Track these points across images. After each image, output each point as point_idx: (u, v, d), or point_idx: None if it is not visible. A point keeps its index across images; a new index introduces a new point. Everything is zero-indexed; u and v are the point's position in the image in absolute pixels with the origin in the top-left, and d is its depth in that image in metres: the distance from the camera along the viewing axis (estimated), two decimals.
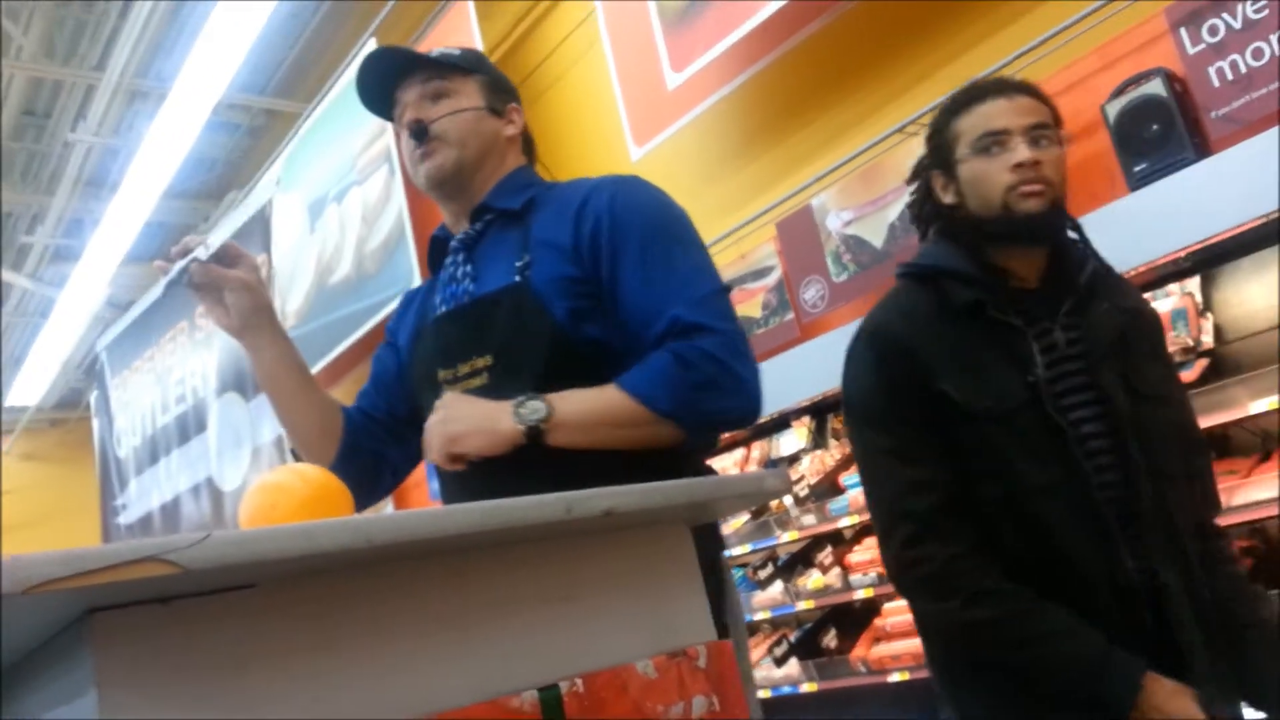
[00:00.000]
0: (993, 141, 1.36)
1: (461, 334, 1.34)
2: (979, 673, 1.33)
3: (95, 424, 7.27)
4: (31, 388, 8.97)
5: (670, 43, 3.84)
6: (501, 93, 1.46)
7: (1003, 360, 1.30)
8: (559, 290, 1.28)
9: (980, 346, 1.32)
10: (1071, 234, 1.40)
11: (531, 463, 1.18)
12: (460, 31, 4.78)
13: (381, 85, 1.43)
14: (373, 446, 1.46)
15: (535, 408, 1.18)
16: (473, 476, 1.21)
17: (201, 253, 1.30)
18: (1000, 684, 1.29)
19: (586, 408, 1.21)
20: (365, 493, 1.45)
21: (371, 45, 5.34)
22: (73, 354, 8.81)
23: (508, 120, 1.45)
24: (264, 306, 1.37)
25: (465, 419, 1.19)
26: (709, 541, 1.26)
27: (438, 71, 1.40)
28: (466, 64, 1.43)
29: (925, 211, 1.48)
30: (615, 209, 1.31)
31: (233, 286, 1.33)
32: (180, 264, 1.30)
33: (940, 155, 1.42)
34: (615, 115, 4.27)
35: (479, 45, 4.60)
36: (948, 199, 1.41)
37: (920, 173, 1.50)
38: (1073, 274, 1.37)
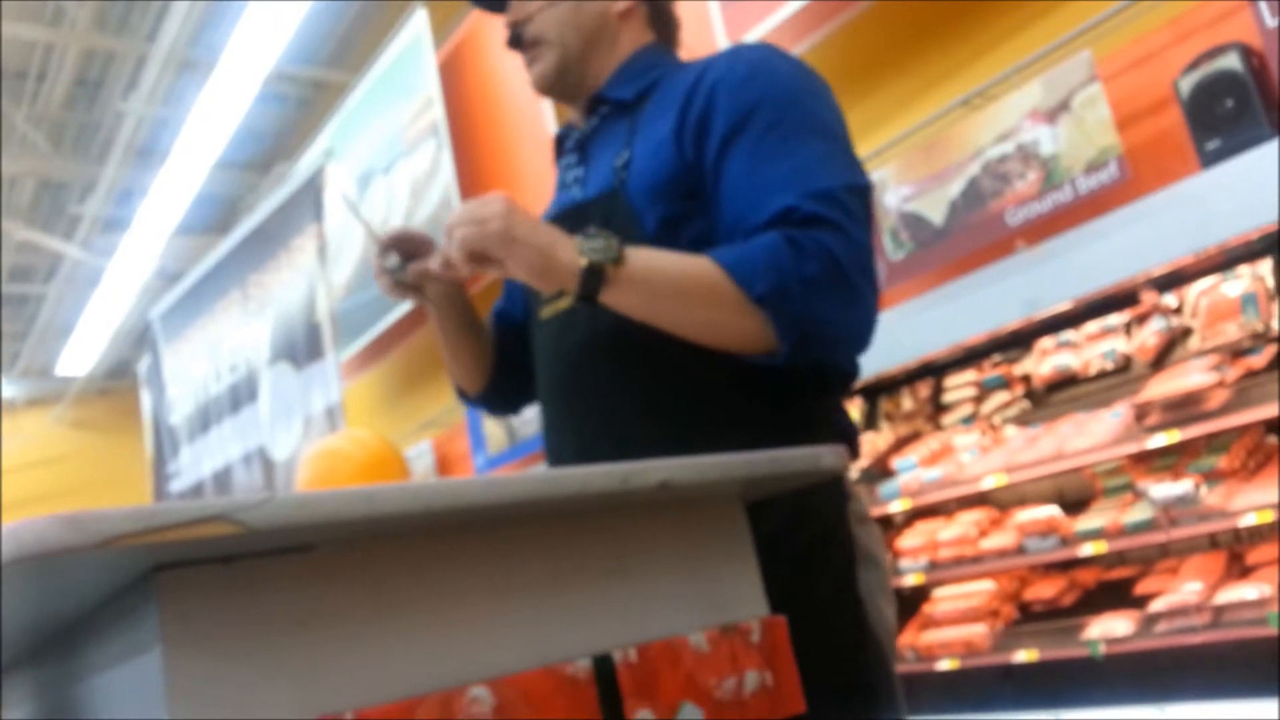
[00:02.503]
0: None
1: None
2: None
3: (146, 392, 7.39)
4: (82, 357, 9.15)
5: (726, 12, 3.77)
6: None
7: None
8: (655, 194, 1.09)
9: None
10: None
11: (642, 393, 1.08)
12: None
13: None
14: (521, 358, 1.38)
15: (605, 246, 0.98)
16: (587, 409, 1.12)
17: (393, 261, 1.23)
18: None
19: (663, 268, 1.00)
20: (517, 400, 1.43)
21: (420, 16, 5.32)
22: (123, 324, 8.96)
23: None
24: (458, 288, 1.30)
25: (525, 228, 0.99)
26: (830, 506, 1.10)
27: None
28: None
29: None
30: (734, 81, 1.09)
31: (441, 285, 1.26)
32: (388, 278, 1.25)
33: None
34: None
35: None
36: None
37: None
38: None
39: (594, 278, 0.99)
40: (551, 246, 0.99)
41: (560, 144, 1.33)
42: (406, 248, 1.22)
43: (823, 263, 0.97)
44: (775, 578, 0.95)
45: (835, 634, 1.05)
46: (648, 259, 1.01)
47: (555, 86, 1.25)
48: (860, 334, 1.03)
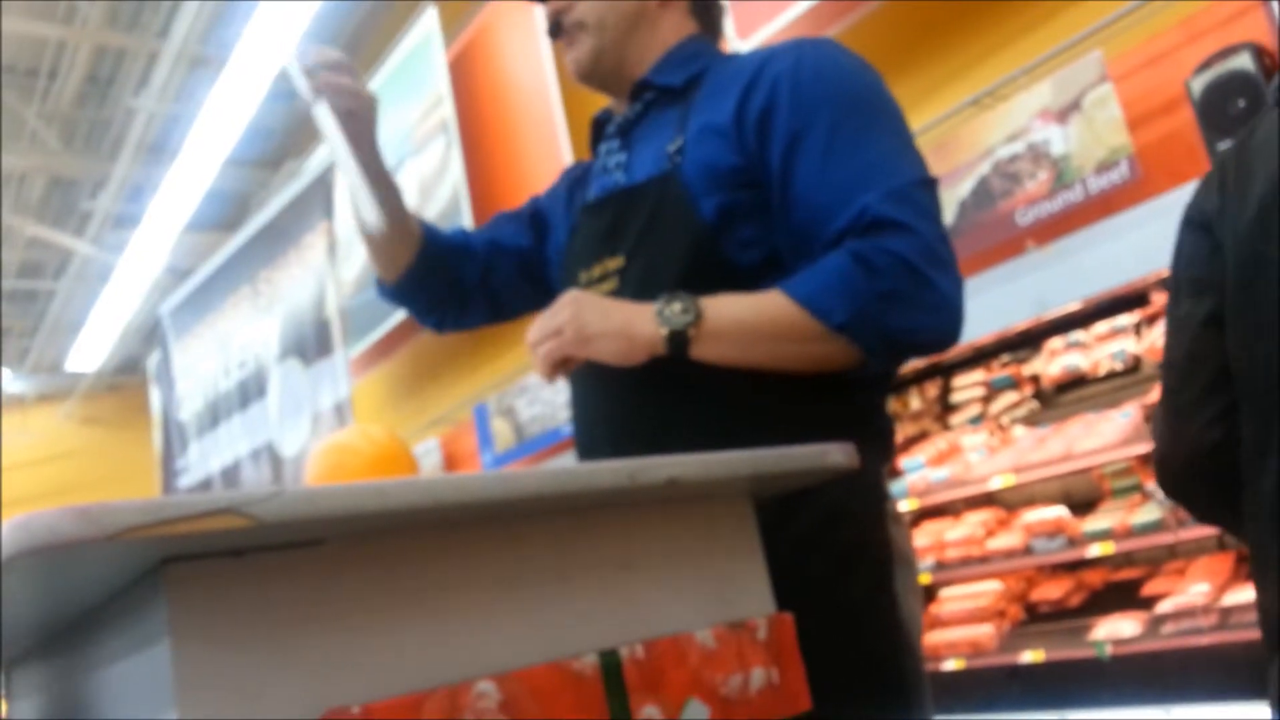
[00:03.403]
0: None
1: (599, 230, 1.19)
2: None
3: (155, 388, 7.42)
4: (92, 353, 9.19)
5: (736, 9, 3.77)
6: None
7: None
8: (712, 182, 1.08)
9: None
10: None
11: (675, 387, 1.05)
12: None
13: None
14: (442, 289, 1.39)
15: (683, 309, 1.01)
16: (612, 403, 1.11)
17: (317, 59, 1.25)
18: None
19: (743, 315, 1.02)
20: (417, 316, 1.43)
21: (430, 16, 5.33)
22: (132, 320, 9.00)
23: None
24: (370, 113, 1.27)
25: (598, 320, 1.02)
26: (867, 506, 1.08)
27: None
28: None
29: None
30: (800, 78, 1.08)
31: (345, 99, 1.24)
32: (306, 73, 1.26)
33: None
34: None
35: (541, 19, 4.56)
36: None
37: None
38: None
39: (679, 342, 1.01)
40: (629, 326, 1.02)
41: (599, 128, 1.32)
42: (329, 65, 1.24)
43: (895, 274, 0.98)
44: (813, 577, 0.95)
45: (873, 634, 1.04)
46: (726, 309, 1.03)
47: (593, 73, 1.26)
48: (947, 327, 1.03)
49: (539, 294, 1.37)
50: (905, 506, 3.29)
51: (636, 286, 1.10)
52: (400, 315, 5.45)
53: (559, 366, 1.05)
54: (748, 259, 1.09)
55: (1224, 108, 2.70)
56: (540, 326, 1.05)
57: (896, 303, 0.99)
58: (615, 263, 1.14)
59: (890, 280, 0.98)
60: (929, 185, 1.06)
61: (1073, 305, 2.89)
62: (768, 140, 1.08)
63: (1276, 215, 1.00)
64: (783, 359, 1.03)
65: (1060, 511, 2.97)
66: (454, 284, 1.39)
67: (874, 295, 0.98)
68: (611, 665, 0.74)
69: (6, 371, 10.24)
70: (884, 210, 1.00)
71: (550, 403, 4.90)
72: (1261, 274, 1.01)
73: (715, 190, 1.09)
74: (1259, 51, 2.67)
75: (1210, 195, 1.11)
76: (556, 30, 1.25)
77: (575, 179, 1.38)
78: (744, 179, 1.09)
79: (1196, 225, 1.12)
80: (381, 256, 1.37)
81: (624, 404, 1.12)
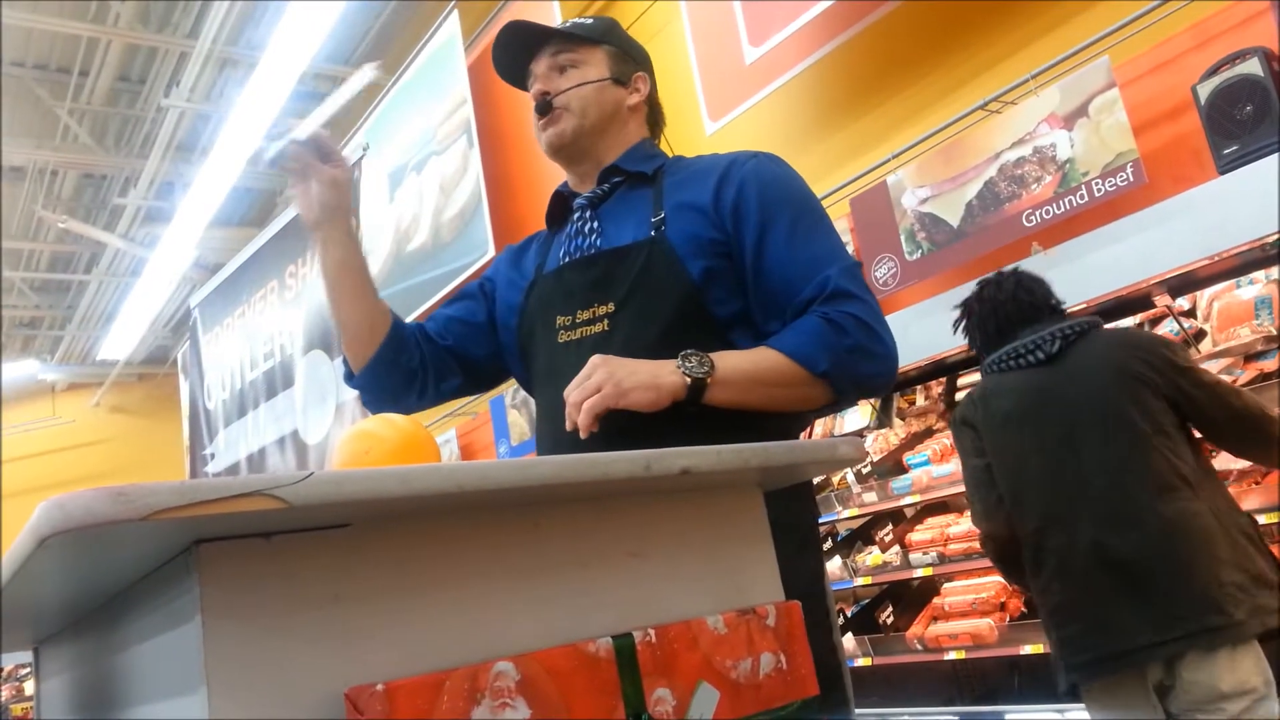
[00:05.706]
0: None
1: (586, 282, 1.37)
2: None
3: (184, 378, 7.54)
4: (122, 343, 9.35)
5: (749, 17, 3.82)
6: (628, 62, 1.51)
7: None
8: (696, 249, 1.31)
9: None
10: None
11: (643, 435, 1.15)
12: (540, 4, 4.81)
13: (515, 58, 1.50)
14: (414, 362, 1.51)
15: (700, 361, 1.20)
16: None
17: (299, 135, 1.39)
18: None
19: (746, 366, 1.23)
20: (389, 399, 1.52)
21: (454, 18, 5.41)
22: (161, 312, 9.15)
23: (632, 89, 1.51)
24: (343, 206, 1.44)
25: (628, 376, 1.18)
26: (803, 509, 1.29)
27: (567, 44, 1.47)
28: (595, 34, 1.48)
29: None
30: (764, 178, 1.36)
31: (321, 179, 1.41)
32: (280, 143, 1.39)
33: None
34: (691, 89, 4.28)
35: (557, 18, 4.63)
36: None
37: None
38: None
39: (698, 388, 1.19)
40: (655, 378, 1.19)
41: (560, 199, 1.53)
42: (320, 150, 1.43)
43: (858, 332, 1.23)
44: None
45: (812, 623, 1.15)
46: (732, 362, 1.23)
47: (566, 148, 1.46)
48: (892, 374, 1.29)
49: (492, 358, 1.54)
50: (909, 501, 3.35)
51: (627, 329, 1.30)
52: (418, 311, 5.54)
53: (600, 419, 1.19)
54: (723, 313, 1.31)
55: (1230, 113, 2.72)
56: (579, 388, 1.19)
57: (860, 354, 1.23)
58: (605, 308, 1.34)
59: (855, 337, 1.23)
60: (860, 267, 1.33)
61: (1076, 307, 2.92)
62: (740, 225, 1.33)
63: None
64: (775, 400, 1.24)
65: None
66: (423, 358, 1.52)
67: (844, 349, 1.23)
68: (625, 648, 0.77)
69: (35, 361, 10.44)
70: (842, 283, 1.26)
71: None
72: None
73: (699, 256, 1.31)
74: (1268, 56, 2.69)
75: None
76: (546, 108, 1.44)
77: (518, 250, 1.57)
78: (720, 249, 1.32)
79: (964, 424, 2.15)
80: (361, 335, 1.50)
81: (579, 443, 1.24)
